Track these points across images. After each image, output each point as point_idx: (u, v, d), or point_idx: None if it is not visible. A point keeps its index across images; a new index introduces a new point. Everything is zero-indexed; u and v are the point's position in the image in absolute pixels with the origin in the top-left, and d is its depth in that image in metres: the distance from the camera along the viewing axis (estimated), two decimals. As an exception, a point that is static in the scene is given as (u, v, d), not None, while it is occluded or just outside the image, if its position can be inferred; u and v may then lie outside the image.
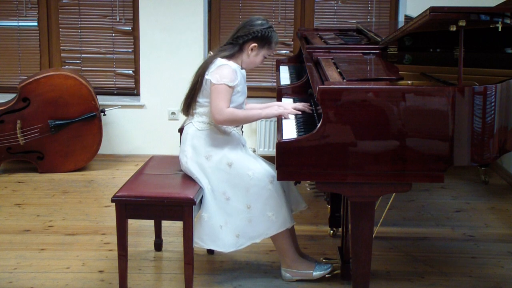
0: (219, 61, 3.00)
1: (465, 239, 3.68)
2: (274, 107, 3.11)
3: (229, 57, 3.03)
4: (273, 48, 3.09)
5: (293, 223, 3.06)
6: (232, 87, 2.96)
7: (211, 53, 3.10)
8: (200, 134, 3.05)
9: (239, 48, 3.04)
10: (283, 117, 2.99)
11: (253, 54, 3.05)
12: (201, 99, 3.04)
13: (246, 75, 3.13)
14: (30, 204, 4.16)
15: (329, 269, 3.11)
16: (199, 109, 3.06)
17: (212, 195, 3.01)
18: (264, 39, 3.03)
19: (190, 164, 3.04)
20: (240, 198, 2.98)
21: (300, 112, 3.05)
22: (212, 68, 2.99)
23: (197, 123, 3.07)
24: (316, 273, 3.10)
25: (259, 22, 3.04)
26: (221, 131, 3.05)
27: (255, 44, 3.03)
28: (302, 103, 3.14)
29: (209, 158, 3.02)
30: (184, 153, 3.08)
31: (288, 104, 3.14)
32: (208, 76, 2.98)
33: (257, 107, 3.25)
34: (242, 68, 3.07)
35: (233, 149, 3.05)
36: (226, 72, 2.96)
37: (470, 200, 4.33)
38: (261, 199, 2.97)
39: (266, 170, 3.00)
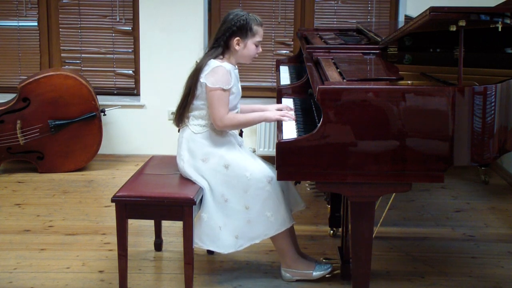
0: (213, 62, 2.99)
1: (465, 239, 3.68)
2: (273, 111, 3.08)
3: (222, 57, 3.03)
4: (258, 32, 3.02)
5: (293, 223, 3.06)
6: (227, 90, 2.96)
7: (197, 61, 3.07)
8: (196, 137, 3.04)
9: (224, 48, 3.02)
10: (282, 121, 2.97)
11: (241, 48, 3.02)
12: (197, 102, 3.03)
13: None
14: (30, 204, 4.16)
15: (329, 269, 3.11)
16: (194, 112, 3.05)
17: (211, 196, 3.00)
18: (242, 29, 2.99)
19: (187, 168, 3.04)
20: (238, 199, 2.98)
21: (290, 118, 2.98)
22: (207, 70, 2.97)
23: (193, 126, 3.06)
24: (316, 273, 3.10)
25: (231, 17, 3.01)
26: (218, 132, 3.04)
27: (238, 38, 3.00)
28: (285, 111, 3.06)
29: (205, 161, 3.02)
30: (181, 157, 3.07)
31: (276, 111, 3.06)
32: (203, 79, 2.97)
33: (255, 108, 3.25)
34: (235, 68, 3.06)
35: (229, 150, 3.04)
36: (221, 75, 2.94)
37: (470, 200, 4.32)
38: (260, 199, 2.97)
39: (264, 171, 2.99)
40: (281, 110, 3.13)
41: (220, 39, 3.01)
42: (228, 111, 2.98)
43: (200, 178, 3.01)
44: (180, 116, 3.08)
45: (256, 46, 3.05)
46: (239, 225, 3.00)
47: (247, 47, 3.02)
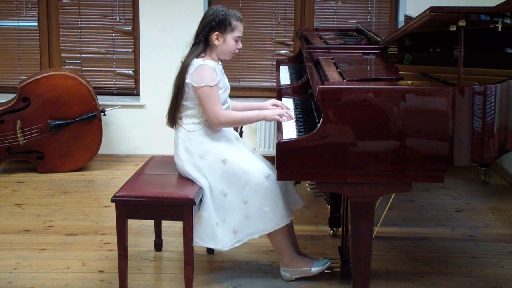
0: (196, 62, 3.01)
1: (465, 239, 3.68)
2: (271, 110, 3.08)
3: (204, 55, 3.04)
4: (238, 27, 3.04)
5: (291, 218, 3.06)
6: (214, 86, 2.97)
7: (182, 60, 3.08)
8: (191, 136, 3.05)
9: (205, 44, 3.05)
10: (282, 121, 2.96)
11: (220, 43, 3.04)
12: (186, 102, 3.04)
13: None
14: (30, 204, 4.16)
15: (327, 264, 3.10)
16: (186, 112, 3.06)
17: (211, 194, 3.01)
18: (220, 24, 3.01)
19: (186, 167, 3.04)
20: (236, 194, 2.98)
21: (288, 117, 2.98)
22: (191, 70, 2.99)
23: (187, 125, 3.07)
24: (314, 269, 3.09)
25: (210, 12, 3.05)
26: (213, 128, 3.06)
27: (217, 33, 3.02)
28: (284, 110, 3.04)
29: (203, 158, 3.02)
30: (179, 156, 3.08)
31: (274, 110, 3.05)
32: (188, 79, 2.99)
33: (252, 106, 3.25)
34: (219, 64, 3.08)
35: (226, 145, 3.05)
36: (206, 72, 2.96)
37: (470, 200, 4.32)
38: (258, 195, 2.97)
39: (262, 167, 3.00)
40: (277, 105, 3.13)
41: (200, 35, 3.05)
42: (222, 108, 2.98)
43: (199, 176, 3.02)
44: (173, 117, 3.11)
45: (236, 41, 3.07)
46: (237, 219, 3.00)
47: (226, 42, 3.04)
